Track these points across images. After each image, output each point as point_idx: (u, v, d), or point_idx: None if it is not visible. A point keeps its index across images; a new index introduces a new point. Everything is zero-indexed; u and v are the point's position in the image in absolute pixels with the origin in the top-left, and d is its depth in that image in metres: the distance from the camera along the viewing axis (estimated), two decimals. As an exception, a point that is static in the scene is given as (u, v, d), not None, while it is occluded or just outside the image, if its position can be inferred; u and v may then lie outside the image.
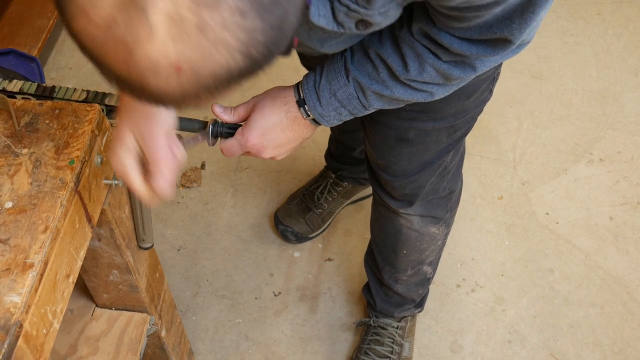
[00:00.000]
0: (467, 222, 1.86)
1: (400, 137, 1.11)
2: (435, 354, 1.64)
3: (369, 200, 1.43)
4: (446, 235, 1.40)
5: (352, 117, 0.93)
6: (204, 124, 0.98)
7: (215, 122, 0.98)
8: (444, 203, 1.30)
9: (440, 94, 0.88)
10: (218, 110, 0.96)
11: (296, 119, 0.94)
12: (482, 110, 1.14)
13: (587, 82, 2.18)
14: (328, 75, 0.89)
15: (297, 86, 0.94)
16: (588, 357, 1.62)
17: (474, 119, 1.14)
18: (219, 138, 0.98)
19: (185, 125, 0.98)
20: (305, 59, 1.36)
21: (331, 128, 1.70)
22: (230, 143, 0.96)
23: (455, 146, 1.17)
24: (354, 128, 1.59)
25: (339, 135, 1.67)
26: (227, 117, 0.96)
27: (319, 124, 0.95)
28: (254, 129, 0.94)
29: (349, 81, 0.88)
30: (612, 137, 2.04)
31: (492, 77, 1.07)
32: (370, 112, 0.92)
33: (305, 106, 0.92)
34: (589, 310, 1.70)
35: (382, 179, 1.22)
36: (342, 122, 0.94)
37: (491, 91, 1.11)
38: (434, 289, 1.72)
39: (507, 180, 1.95)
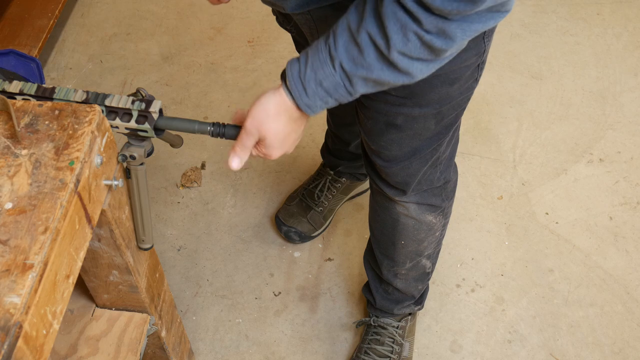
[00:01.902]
0: (467, 222, 1.86)
1: (390, 122, 1.14)
2: (435, 353, 1.64)
3: (368, 200, 1.43)
4: (444, 226, 1.41)
5: (336, 104, 0.94)
6: (204, 125, 0.98)
7: (215, 124, 0.99)
8: (439, 192, 1.32)
9: (422, 73, 0.88)
10: (236, 164, 0.99)
11: (300, 117, 0.97)
12: (468, 99, 1.15)
13: (587, 82, 2.18)
14: (313, 65, 0.90)
15: (285, 84, 0.94)
16: (588, 357, 1.62)
17: (461, 107, 1.15)
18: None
19: (185, 125, 0.98)
20: (300, 45, 1.38)
21: (328, 123, 1.71)
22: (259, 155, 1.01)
23: (446, 134, 1.18)
24: (351, 121, 1.60)
25: (335, 129, 1.69)
26: (244, 157, 0.99)
27: None
28: (276, 146, 0.98)
29: (335, 70, 0.89)
30: (611, 137, 2.04)
31: (477, 64, 1.08)
32: (354, 97, 0.94)
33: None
34: (589, 310, 1.70)
35: (376, 165, 1.25)
36: (325, 109, 0.96)
37: (477, 80, 1.12)
38: (434, 289, 1.72)
39: (507, 180, 1.95)
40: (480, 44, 1.05)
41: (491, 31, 1.06)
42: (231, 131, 0.99)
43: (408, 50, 0.84)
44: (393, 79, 0.88)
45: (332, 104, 0.93)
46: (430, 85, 1.06)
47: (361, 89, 0.91)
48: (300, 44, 1.38)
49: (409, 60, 0.85)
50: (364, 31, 0.85)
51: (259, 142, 0.98)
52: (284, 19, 1.25)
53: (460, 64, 1.05)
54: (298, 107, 0.94)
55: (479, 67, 1.10)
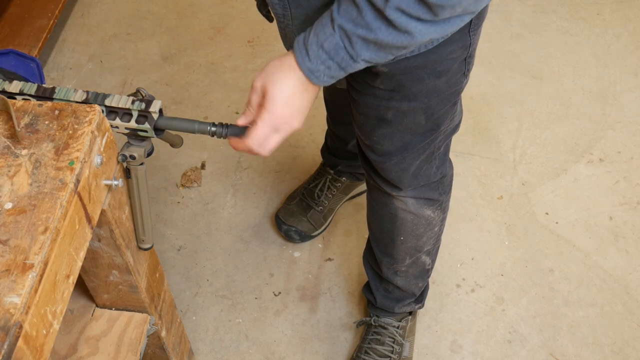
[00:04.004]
0: (467, 222, 1.86)
1: (380, 117, 1.15)
2: (435, 353, 1.64)
3: (368, 200, 1.44)
4: (442, 221, 1.41)
5: (341, 71, 0.93)
6: (204, 125, 0.98)
7: (217, 124, 0.98)
8: (436, 186, 1.33)
9: (422, 34, 0.88)
10: (242, 120, 0.98)
11: (306, 87, 0.95)
12: (458, 94, 1.16)
13: (587, 82, 2.18)
14: (315, 29, 0.91)
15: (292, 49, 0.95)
16: (588, 357, 1.62)
17: (451, 102, 1.16)
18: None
19: (185, 125, 0.98)
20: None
21: (328, 122, 1.71)
22: (261, 131, 0.96)
23: (437, 130, 1.19)
24: (348, 120, 1.61)
25: (334, 127, 1.70)
26: (251, 116, 0.97)
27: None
28: (277, 102, 0.94)
29: (334, 30, 0.89)
30: (612, 137, 2.04)
31: (463, 57, 1.09)
32: (359, 65, 0.93)
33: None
34: (589, 310, 1.70)
35: (371, 160, 1.26)
36: (333, 80, 0.95)
37: (465, 74, 1.13)
38: (434, 289, 1.72)
39: (507, 180, 1.95)
40: (465, 37, 1.05)
41: (477, 25, 1.06)
42: (234, 131, 0.98)
43: (405, 6, 0.83)
44: (392, 39, 0.87)
45: (336, 70, 0.93)
46: (417, 77, 1.07)
47: (363, 52, 0.90)
48: None
49: (407, 18, 0.85)
50: None
51: (261, 106, 0.96)
52: (261, 2, 1.24)
53: (446, 56, 1.05)
54: (303, 74, 0.93)
55: (466, 61, 1.11)
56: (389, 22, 0.86)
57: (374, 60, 0.92)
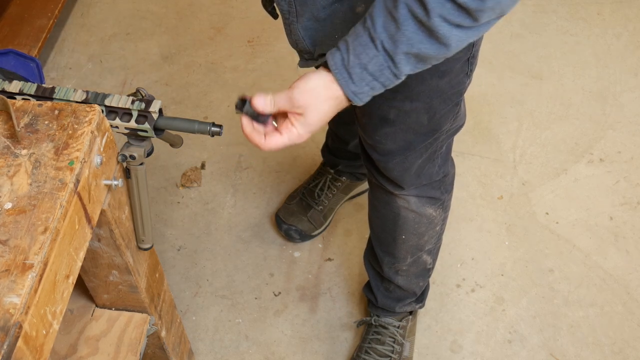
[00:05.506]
0: (467, 222, 1.86)
1: (383, 116, 1.15)
2: (435, 353, 1.64)
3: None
4: (444, 220, 1.41)
5: (383, 89, 0.93)
6: (204, 125, 0.98)
7: (216, 124, 0.98)
8: (438, 185, 1.33)
9: (460, 42, 0.87)
10: (260, 103, 0.95)
11: (347, 101, 0.96)
12: (460, 94, 1.16)
13: (587, 82, 2.18)
14: (355, 50, 0.89)
15: (328, 72, 0.93)
16: (588, 357, 1.62)
17: (453, 102, 1.16)
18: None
19: (184, 125, 0.98)
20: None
21: (328, 122, 1.71)
22: (284, 141, 0.97)
23: (439, 130, 1.19)
24: (349, 120, 1.61)
25: (334, 128, 1.70)
26: (269, 109, 0.96)
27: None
28: (314, 127, 0.96)
29: (378, 50, 0.88)
30: (612, 137, 2.04)
31: (466, 58, 1.09)
32: (400, 80, 0.93)
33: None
34: (589, 310, 1.70)
35: (374, 159, 1.26)
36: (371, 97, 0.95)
37: (467, 75, 1.13)
38: (434, 289, 1.72)
39: (507, 180, 1.95)
40: None
41: None
42: (251, 112, 0.96)
43: (447, 13, 0.82)
44: (434, 51, 0.87)
45: (379, 89, 0.92)
46: (420, 77, 1.06)
47: (405, 67, 0.90)
48: None
49: (449, 27, 0.84)
50: (402, 4, 0.84)
51: (291, 116, 0.96)
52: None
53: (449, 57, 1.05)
54: (346, 96, 0.93)
55: (469, 62, 1.11)
56: (431, 33, 0.85)
57: (415, 72, 0.92)
